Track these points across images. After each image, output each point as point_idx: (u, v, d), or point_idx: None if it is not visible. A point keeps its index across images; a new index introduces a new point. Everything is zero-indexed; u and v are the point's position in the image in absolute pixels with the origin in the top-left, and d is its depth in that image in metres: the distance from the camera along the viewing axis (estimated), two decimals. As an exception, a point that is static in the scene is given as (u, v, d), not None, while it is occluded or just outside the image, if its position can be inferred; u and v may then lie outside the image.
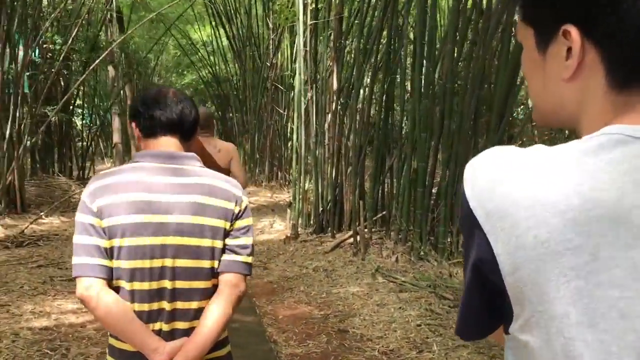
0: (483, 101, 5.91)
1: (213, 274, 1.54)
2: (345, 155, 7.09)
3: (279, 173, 13.77)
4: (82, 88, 12.71)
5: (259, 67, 14.15)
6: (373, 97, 6.94)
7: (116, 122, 13.57)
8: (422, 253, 5.74)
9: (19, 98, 7.73)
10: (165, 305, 1.51)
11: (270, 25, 13.78)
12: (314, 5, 7.61)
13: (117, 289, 1.49)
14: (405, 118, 6.44)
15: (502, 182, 0.59)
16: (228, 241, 1.54)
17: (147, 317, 1.51)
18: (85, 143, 14.00)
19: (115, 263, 1.48)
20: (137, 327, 1.48)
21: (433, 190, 6.06)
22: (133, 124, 1.60)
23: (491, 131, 5.76)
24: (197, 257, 1.51)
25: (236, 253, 1.55)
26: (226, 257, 1.54)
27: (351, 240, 6.39)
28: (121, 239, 1.46)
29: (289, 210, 7.88)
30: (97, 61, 8.76)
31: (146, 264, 1.48)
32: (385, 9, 6.41)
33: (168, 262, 1.49)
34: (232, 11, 14.51)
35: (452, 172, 5.76)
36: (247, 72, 14.64)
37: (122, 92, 15.59)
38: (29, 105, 8.25)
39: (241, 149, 15.48)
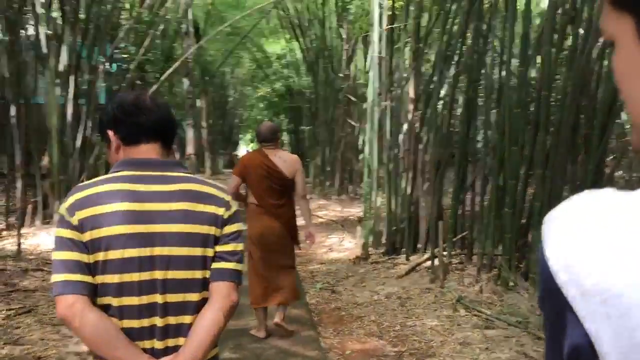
0: (583, 112, 5.19)
1: (205, 285, 1.47)
2: (422, 169, 6.65)
3: (350, 186, 13.63)
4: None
5: (331, 78, 14.05)
6: (454, 106, 6.49)
7: (190, 134, 13.77)
8: (510, 283, 5.11)
9: (93, 108, 7.73)
10: (157, 321, 1.43)
11: (344, 36, 13.52)
12: (390, 12, 7.19)
13: (103, 307, 1.40)
14: (490, 129, 5.84)
15: (606, 248, 0.48)
16: (218, 248, 1.48)
17: (138, 335, 1.41)
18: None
19: (100, 279, 1.39)
20: (125, 345, 1.38)
21: (523, 211, 5.54)
22: (110, 132, 1.51)
23: (592, 146, 5.06)
24: (189, 267, 1.44)
25: (226, 260, 1.48)
26: (216, 265, 1.47)
27: (428, 263, 5.99)
28: (106, 252, 1.38)
29: (359, 228, 7.62)
30: (170, 70, 8.66)
31: (135, 277, 1.40)
32: (468, 13, 5.84)
33: (158, 275, 1.41)
34: (306, 23, 14.36)
35: (547, 192, 5.09)
36: (319, 84, 14.62)
37: (196, 104, 15.80)
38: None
39: (311, 161, 15.24)
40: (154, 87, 8.78)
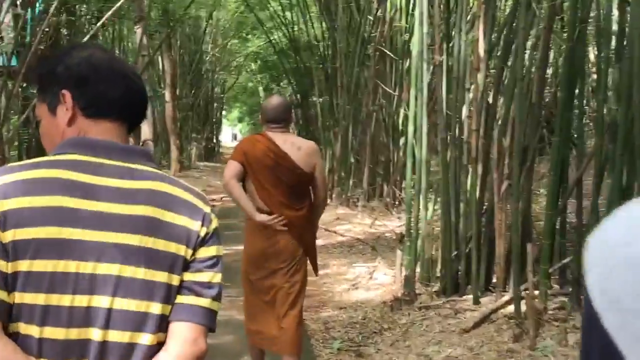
0: None
1: (162, 325, 1.52)
2: (498, 160, 6.53)
3: (384, 187, 13.69)
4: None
5: (356, 24, 14.13)
6: (548, 63, 6.35)
7: (148, 111, 13.72)
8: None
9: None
10: None
11: (375, -39, 13.34)
12: None
13: (16, 337, 1.42)
14: (606, 98, 5.68)
15: None
16: (187, 276, 1.54)
17: None
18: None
19: (18, 296, 1.42)
20: None
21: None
22: (67, 95, 1.57)
23: None
24: (145, 298, 1.49)
25: (197, 294, 1.54)
26: (182, 298, 1.53)
27: (510, 310, 5.93)
28: (31, 261, 1.41)
29: (399, 252, 7.61)
30: (110, 12, 8.44)
31: (65, 300, 1.43)
32: None
33: (99, 302, 1.46)
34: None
35: None
36: (338, 33, 14.73)
37: (155, 64, 15.61)
38: (12, 81, 8.23)
39: (327, 149, 15.72)
40: (87, 37, 8.58)
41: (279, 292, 4.53)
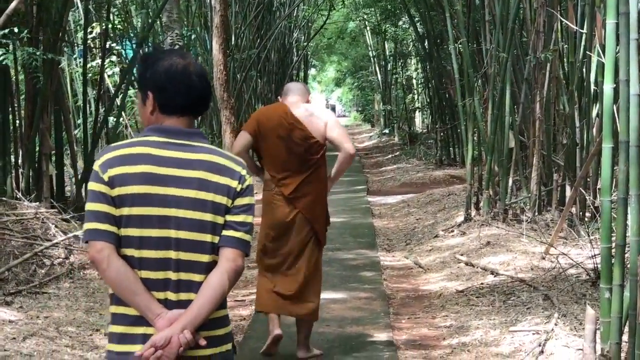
0: None
1: (214, 249, 3.49)
2: None
3: (567, 190, 13.22)
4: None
5: None
6: None
7: None
8: None
9: None
10: (171, 275, 3.43)
11: None
12: None
13: (125, 258, 3.41)
14: None
15: None
16: (228, 217, 3.50)
17: (154, 285, 3.42)
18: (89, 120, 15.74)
19: (123, 231, 3.42)
20: (143, 292, 3.39)
21: None
22: (150, 95, 3.55)
23: None
24: (199, 230, 3.46)
25: (235, 229, 3.50)
26: (225, 232, 3.50)
27: None
28: (130, 208, 3.39)
29: (590, 309, 7.06)
30: None
31: (153, 232, 3.41)
32: None
33: (172, 233, 3.43)
34: None
35: None
36: None
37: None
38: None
39: (471, 125, 15.42)
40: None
41: (296, 260, 7.24)
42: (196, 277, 3.41)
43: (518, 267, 10.78)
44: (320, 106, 6.90)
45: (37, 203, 12.21)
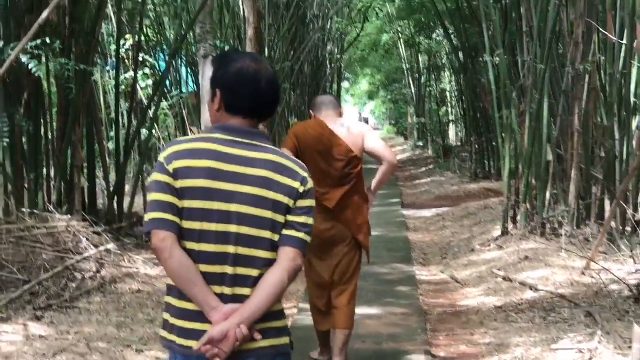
0: None
1: (273, 246, 3.61)
2: None
3: (607, 204, 13.14)
4: None
5: None
6: None
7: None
8: None
9: None
10: (228, 269, 3.56)
11: None
12: None
13: (185, 250, 3.54)
14: None
15: None
16: (290, 218, 3.63)
17: (211, 279, 3.56)
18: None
19: (185, 224, 3.54)
20: (201, 284, 3.52)
21: None
22: (219, 93, 3.72)
23: None
24: (259, 227, 3.57)
25: (296, 229, 3.63)
26: (286, 231, 3.62)
27: None
28: (191, 201, 3.53)
29: (637, 327, 6.76)
30: None
31: (212, 227, 3.55)
32: None
33: (232, 228, 3.56)
34: None
35: None
36: None
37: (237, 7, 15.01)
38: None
39: (508, 138, 15.35)
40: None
41: (335, 272, 7.35)
42: (253, 272, 3.53)
43: (558, 283, 10.61)
44: (355, 119, 7.04)
45: (69, 216, 12.12)
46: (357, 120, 8.52)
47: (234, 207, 3.51)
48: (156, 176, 3.54)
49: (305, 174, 3.65)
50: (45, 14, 9.58)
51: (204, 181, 3.50)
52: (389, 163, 7.24)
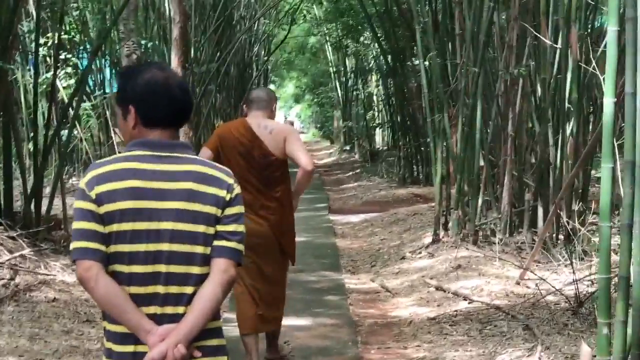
0: None
1: (206, 260, 3.57)
2: None
3: (539, 210, 13.14)
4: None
5: None
6: None
7: None
8: None
9: None
10: (160, 289, 3.49)
11: None
12: None
13: (115, 274, 3.49)
14: None
15: None
16: (219, 227, 3.59)
17: (142, 300, 3.47)
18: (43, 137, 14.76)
19: (113, 248, 3.47)
20: (132, 308, 3.43)
21: None
22: (132, 109, 3.63)
23: None
24: (192, 243, 3.52)
25: (226, 239, 3.59)
26: (216, 242, 3.58)
27: None
28: (119, 224, 3.45)
29: (585, 346, 6.90)
30: None
31: (142, 247, 3.47)
32: None
33: (163, 247, 3.49)
34: None
35: None
36: None
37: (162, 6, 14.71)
38: None
39: (440, 143, 15.30)
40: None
41: (262, 277, 7.41)
42: (187, 290, 3.49)
43: (492, 293, 10.47)
44: (281, 121, 7.24)
45: (-19, 219, 11.58)
46: (283, 122, 8.65)
47: (163, 225, 3.46)
48: (78, 203, 3.48)
49: (231, 181, 3.64)
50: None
51: (129, 202, 3.44)
52: (303, 169, 7.28)
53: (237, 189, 3.65)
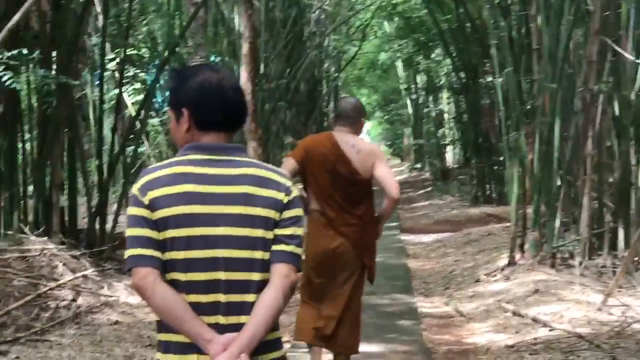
0: None
1: (266, 265, 3.45)
2: None
3: (620, 233, 12.82)
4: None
5: None
6: None
7: None
8: None
9: None
10: (221, 297, 3.39)
11: None
12: None
13: (172, 282, 3.38)
14: None
15: None
16: (277, 231, 3.47)
17: (203, 310, 3.36)
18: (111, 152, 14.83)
19: (169, 255, 3.36)
20: (191, 317, 3.32)
21: None
22: (185, 112, 3.54)
23: None
24: (250, 248, 3.42)
25: (285, 243, 3.47)
26: (275, 247, 3.46)
27: None
28: (174, 230, 3.35)
29: None
30: None
31: (199, 254, 3.37)
32: None
33: (220, 253, 3.39)
34: None
35: None
36: None
37: (232, 22, 14.63)
38: None
39: (514, 162, 15.08)
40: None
41: (337, 295, 7.20)
42: (248, 298, 3.39)
43: (573, 320, 9.97)
44: (368, 140, 6.94)
45: (45, 238, 11.53)
46: (371, 142, 8.64)
47: (219, 231, 3.35)
48: (131, 210, 3.39)
49: (289, 183, 3.53)
50: (16, 18, 8.95)
51: (184, 207, 3.33)
52: (391, 198, 7.16)
53: (296, 191, 3.55)
